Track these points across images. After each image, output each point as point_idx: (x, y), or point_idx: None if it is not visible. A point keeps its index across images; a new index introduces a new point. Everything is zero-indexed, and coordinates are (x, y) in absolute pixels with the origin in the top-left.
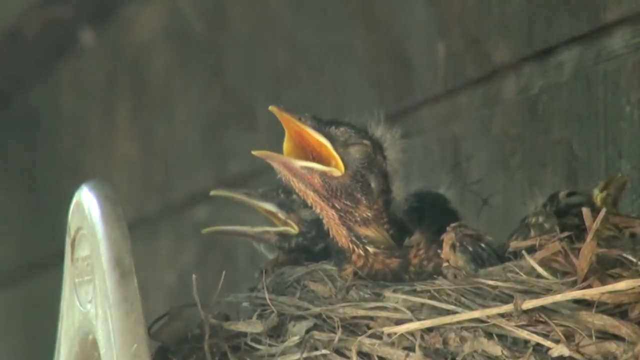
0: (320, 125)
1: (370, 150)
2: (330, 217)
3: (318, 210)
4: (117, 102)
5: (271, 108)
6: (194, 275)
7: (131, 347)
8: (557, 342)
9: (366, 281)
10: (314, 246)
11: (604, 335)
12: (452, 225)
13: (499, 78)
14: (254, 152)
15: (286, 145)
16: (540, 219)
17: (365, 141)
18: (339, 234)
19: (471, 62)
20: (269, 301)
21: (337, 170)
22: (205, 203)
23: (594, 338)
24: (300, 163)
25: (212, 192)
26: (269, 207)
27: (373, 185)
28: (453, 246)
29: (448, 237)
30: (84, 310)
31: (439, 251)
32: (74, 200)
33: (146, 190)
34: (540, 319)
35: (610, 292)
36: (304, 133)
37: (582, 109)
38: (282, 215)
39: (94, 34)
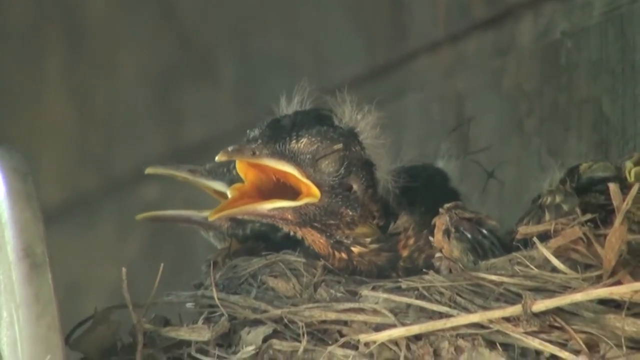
0: (279, 144)
1: (344, 152)
2: (305, 232)
3: (292, 232)
4: (45, 54)
5: (218, 157)
6: (124, 269)
7: (43, 359)
8: (577, 352)
9: (339, 276)
10: (274, 233)
11: (637, 344)
12: (447, 206)
13: (513, 20)
14: (211, 216)
15: (239, 165)
16: (558, 199)
17: (335, 146)
18: (317, 243)
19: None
20: (218, 301)
21: (312, 197)
22: (155, 179)
23: (624, 348)
24: (268, 206)
25: (148, 170)
26: (218, 186)
27: (355, 186)
28: (447, 232)
29: (441, 221)
30: None
31: (430, 239)
32: None
33: (83, 163)
34: (556, 324)
35: None
36: (264, 167)
37: (615, 58)
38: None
39: None
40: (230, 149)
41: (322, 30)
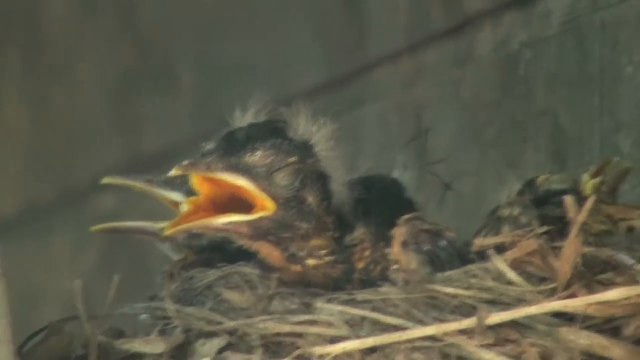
0: (234, 158)
1: (298, 165)
2: (260, 245)
3: (245, 246)
4: (2, 61)
5: (173, 171)
6: (77, 281)
7: None
8: None
9: (294, 288)
10: (229, 244)
11: (591, 357)
12: (405, 217)
13: (472, 30)
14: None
15: (195, 178)
16: (516, 211)
17: (290, 159)
18: (272, 256)
19: (439, 9)
20: (172, 313)
21: (266, 210)
22: (112, 189)
23: None
24: (222, 220)
25: (104, 180)
26: (175, 196)
27: (310, 199)
28: (404, 244)
29: (399, 233)
30: None
31: (387, 251)
32: None
33: (39, 172)
34: (510, 337)
35: (599, 303)
36: (218, 181)
37: (573, 70)
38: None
39: None
40: (185, 163)
41: (281, 38)
